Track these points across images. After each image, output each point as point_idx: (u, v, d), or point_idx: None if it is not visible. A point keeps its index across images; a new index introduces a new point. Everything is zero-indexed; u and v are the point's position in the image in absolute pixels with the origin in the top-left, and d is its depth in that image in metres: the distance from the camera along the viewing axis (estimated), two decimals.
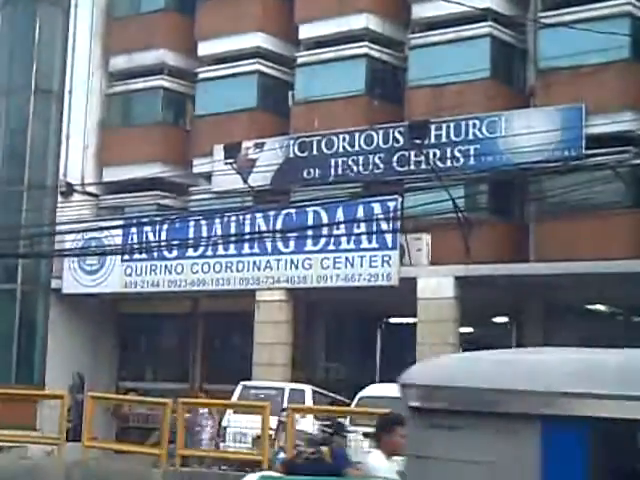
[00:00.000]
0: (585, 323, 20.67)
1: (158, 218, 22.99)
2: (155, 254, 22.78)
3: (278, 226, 21.30)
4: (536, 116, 19.41)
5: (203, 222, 22.12)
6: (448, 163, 20.06)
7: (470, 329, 21.29)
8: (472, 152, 19.83)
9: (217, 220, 21.84)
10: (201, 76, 24.63)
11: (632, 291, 17.98)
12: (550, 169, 17.81)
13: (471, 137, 19.93)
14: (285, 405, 15.59)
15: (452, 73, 20.34)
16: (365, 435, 14.25)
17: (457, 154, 19.96)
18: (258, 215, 21.56)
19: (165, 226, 22.43)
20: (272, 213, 21.40)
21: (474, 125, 19.96)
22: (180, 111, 25.96)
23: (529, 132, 18.66)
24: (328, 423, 8.50)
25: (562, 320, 20.94)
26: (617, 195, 17.87)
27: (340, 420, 8.79)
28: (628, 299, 19.17)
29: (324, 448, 8.20)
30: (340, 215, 20.47)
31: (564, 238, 18.62)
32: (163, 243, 22.35)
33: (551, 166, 17.90)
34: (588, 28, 17.80)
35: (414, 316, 19.82)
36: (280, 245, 21.47)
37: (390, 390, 16.26)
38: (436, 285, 19.55)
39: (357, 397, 16.58)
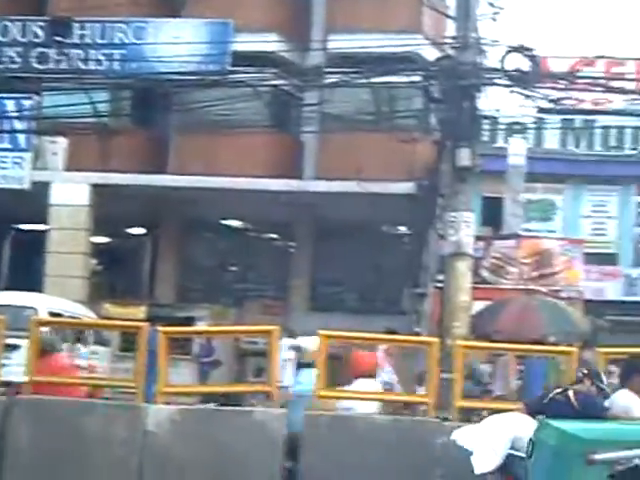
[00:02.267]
0: (219, 238, 24.44)
1: None
2: None
3: None
4: (185, 27, 22.24)
5: None
6: (91, 66, 22.41)
7: (105, 239, 24.19)
8: (117, 57, 22.44)
9: None
10: None
11: (264, 208, 21.89)
12: (194, 82, 21.08)
13: (117, 41, 22.42)
14: None
15: None
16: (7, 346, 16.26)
17: (101, 57, 22.33)
18: None
19: None
20: None
21: (120, 29, 22.45)
22: None
23: (176, 42, 21.64)
24: (585, 371, 8.79)
25: (198, 234, 24.54)
26: (257, 114, 21.34)
27: (599, 370, 9.00)
28: (259, 216, 22.97)
29: (570, 391, 8.36)
30: None
31: (204, 153, 21.81)
32: None
33: (195, 79, 21.16)
34: None
35: (46, 223, 22.30)
36: None
37: (14, 299, 18.47)
38: (70, 192, 21.99)
39: None
